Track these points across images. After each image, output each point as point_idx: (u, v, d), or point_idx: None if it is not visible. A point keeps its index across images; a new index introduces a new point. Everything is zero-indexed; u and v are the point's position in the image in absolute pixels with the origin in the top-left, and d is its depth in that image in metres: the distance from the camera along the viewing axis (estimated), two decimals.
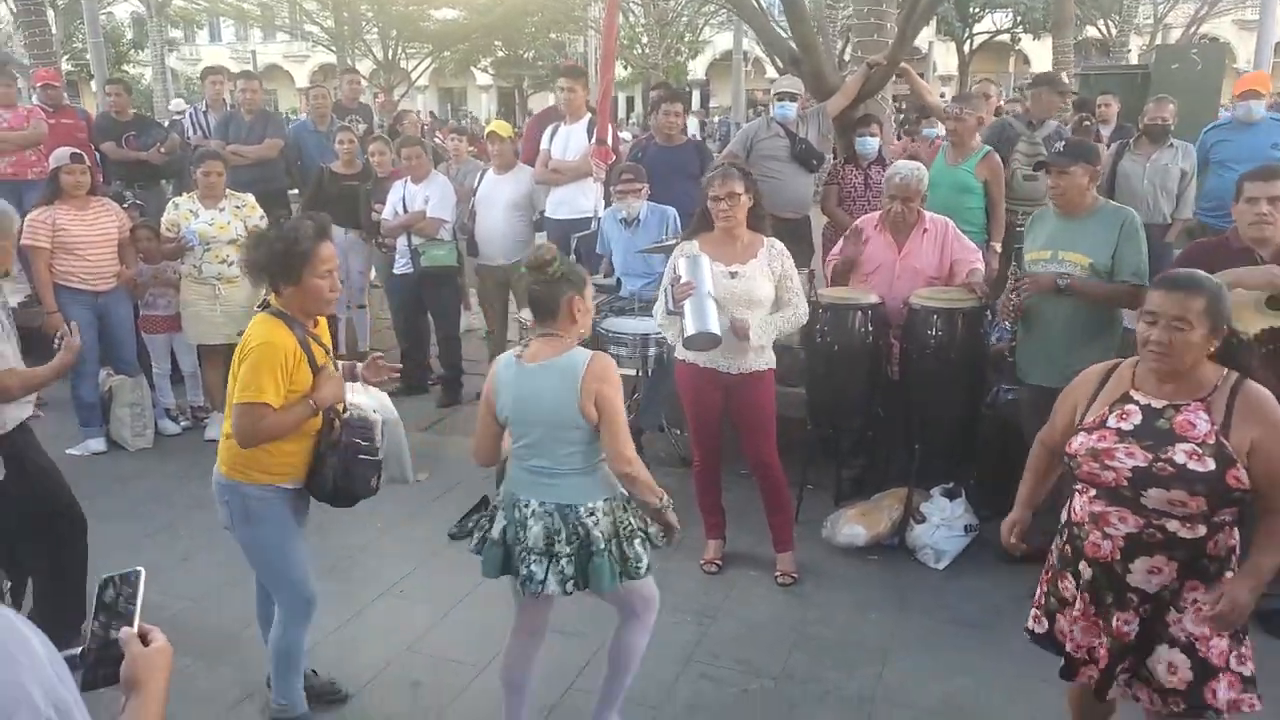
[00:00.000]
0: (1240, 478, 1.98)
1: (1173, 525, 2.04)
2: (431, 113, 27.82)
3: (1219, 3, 21.13)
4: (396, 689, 3.05)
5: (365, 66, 20.96)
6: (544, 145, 5.51)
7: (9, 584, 3.02)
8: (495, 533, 2.50)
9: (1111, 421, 2.12)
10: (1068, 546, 2.25)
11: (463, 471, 4.71)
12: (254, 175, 6.19)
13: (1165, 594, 2.09)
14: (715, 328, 3.26)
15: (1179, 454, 2.01)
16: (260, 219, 5.05)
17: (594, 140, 5.15)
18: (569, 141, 5.40)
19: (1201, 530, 2.03)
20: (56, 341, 2.97)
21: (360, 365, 2.85)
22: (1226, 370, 2.08)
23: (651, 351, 4.16)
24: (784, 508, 3.70)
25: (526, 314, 4.74)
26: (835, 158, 5.60)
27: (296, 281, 2.52)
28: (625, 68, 24.71)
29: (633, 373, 4.51)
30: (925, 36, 20.63)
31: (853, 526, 3.83)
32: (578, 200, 5.34)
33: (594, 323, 3.81)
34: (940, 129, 5.72)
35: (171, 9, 22.73)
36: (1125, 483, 2.06)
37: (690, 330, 3.28)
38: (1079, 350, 3.29)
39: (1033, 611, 2.37)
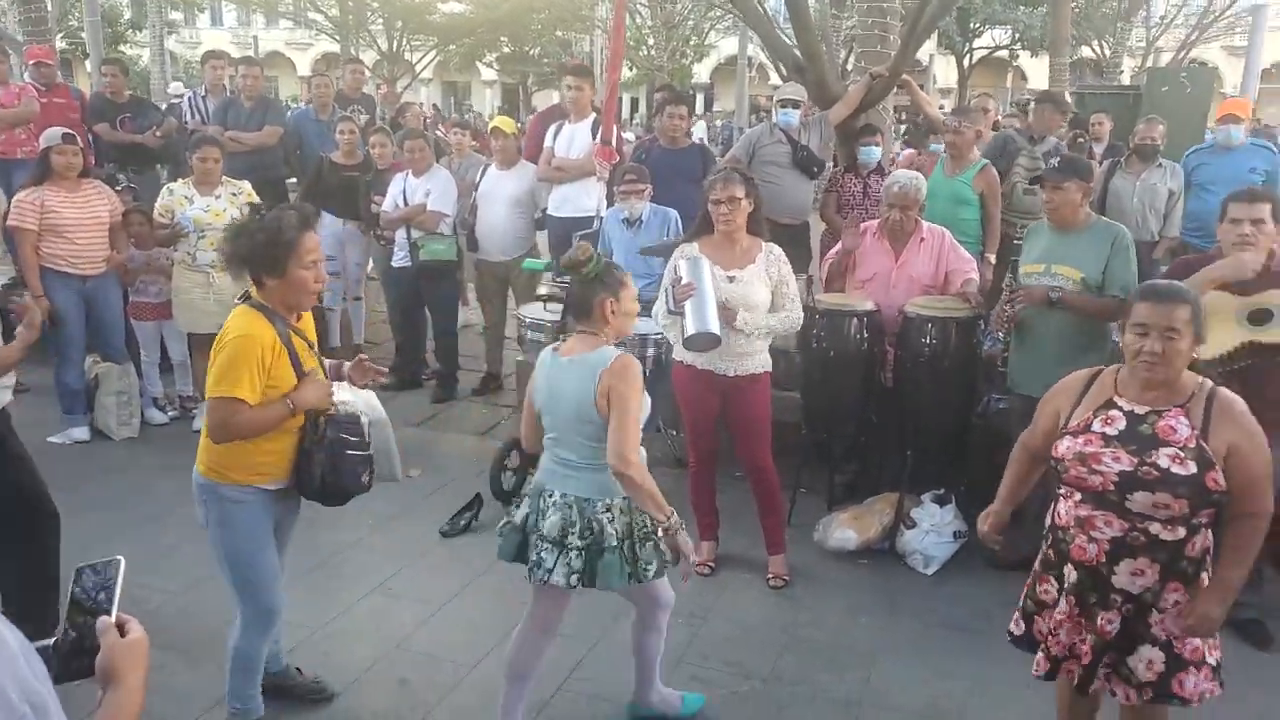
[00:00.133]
0: (1219, 480, 2.06)
1: (1155, 528, 2.12)
2: (435, 106, 27.76)
3: (1209, 29, 21.41)
4: (384, 687, 3.03)
5: (369, 57, 20.83)
6: (548, 143, 5.51)
7: None
8: (518, 519, 2.59)
9: (1096, 426, 2.19)
10: (1051, 551, 2.32)
11: (455, 468, 4.71)
12: (252, 163, 6.11)
13: (1148, 595, 2.17)
14: (716, 328, 3.28)
15: (1163, 458, 2.08)
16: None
17: (598, 140, 5.16)
18: (573, 140, 5.41)
19: (1181, 532, 2.12)
20: (13, 317, 2.87)
21: (347, 365, 2.76)
22: (1202, 378, 2.17)
23: (650, 352, 4.17)
24: (777, 511, 3.73)
25: (525, 310, 4.82)
26: (835, 165, 5.64)
27: (281, 273, 2.44)
28: (630, 69, 24.65)
29: None
30: (927, 50, 20.79)
31: (844, 530, 3.87)
32: (581, 199, 5.33)
33: None
34: None
35: None
36: (1112, 486, 2.13)
37: (690, 330, 3.30)
38: (1069, 363, 3.30)
39: (1014, 614, 2.44)
